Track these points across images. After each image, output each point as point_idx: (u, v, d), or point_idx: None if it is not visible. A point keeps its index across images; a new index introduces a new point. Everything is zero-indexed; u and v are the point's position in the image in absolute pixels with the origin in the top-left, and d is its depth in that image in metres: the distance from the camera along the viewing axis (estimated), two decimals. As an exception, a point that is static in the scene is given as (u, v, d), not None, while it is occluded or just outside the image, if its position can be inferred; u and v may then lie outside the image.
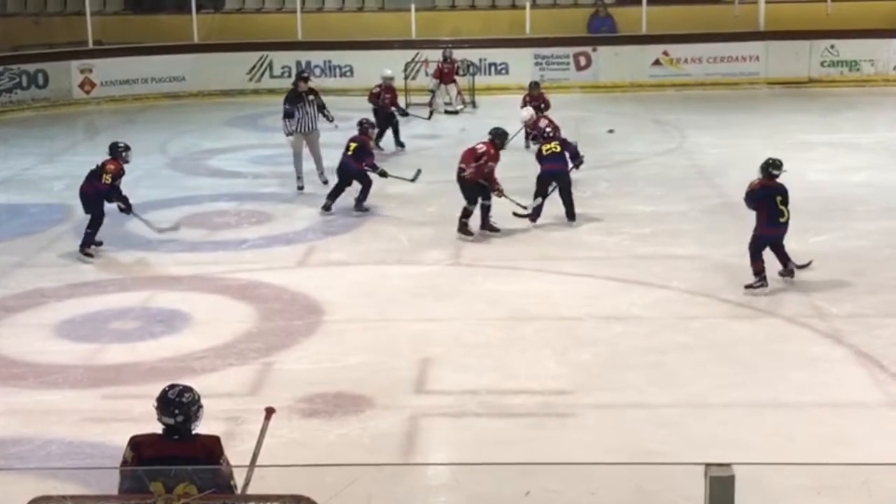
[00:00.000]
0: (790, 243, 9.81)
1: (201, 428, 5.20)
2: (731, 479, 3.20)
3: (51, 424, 7.62)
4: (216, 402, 7.85)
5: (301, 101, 13.88)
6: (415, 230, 12.02)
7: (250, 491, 5.05)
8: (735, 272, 9.78)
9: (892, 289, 9.85)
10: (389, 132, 16.08)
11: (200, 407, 5.17)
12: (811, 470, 6.12)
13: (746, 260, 9.73)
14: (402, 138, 16.20)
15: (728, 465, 3.24)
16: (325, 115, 14.11)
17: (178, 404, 5.10)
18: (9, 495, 5.48)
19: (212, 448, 5.09)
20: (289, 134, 13.91)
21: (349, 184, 12.72)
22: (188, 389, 5.17)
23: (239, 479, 5.09)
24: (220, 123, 18.86)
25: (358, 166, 12.61)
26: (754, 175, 9.81)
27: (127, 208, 11.31)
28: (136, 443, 5.11)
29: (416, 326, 9.26)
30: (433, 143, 16.56)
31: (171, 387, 5.20)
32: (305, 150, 13.93)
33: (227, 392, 8.06)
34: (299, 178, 13.90)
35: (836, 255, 10.80)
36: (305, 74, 14.77)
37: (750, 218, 9.74)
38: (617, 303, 9.66)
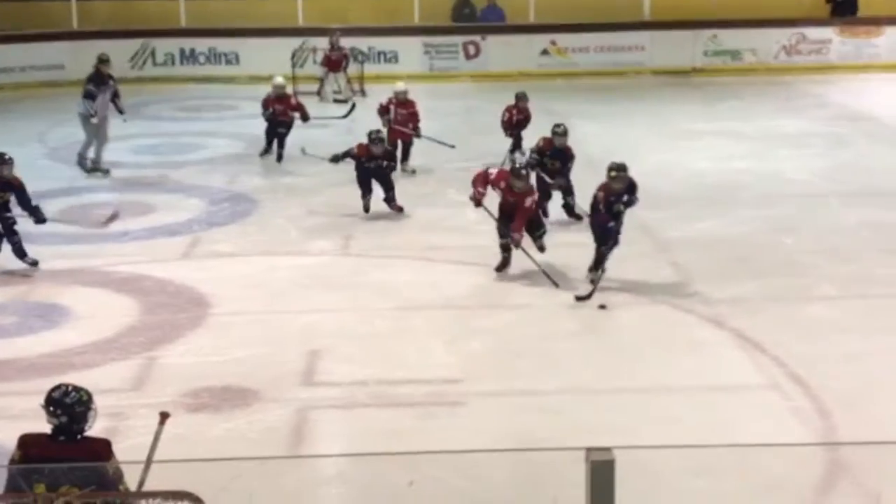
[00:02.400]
0: (673, 230, 9.98)
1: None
2: (612, 462, 3.23)
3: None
4: (99, 399, 7.54)
5: (104, 85, 13.74)
6: (302, 221, 11.92)
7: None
8: (620, 261, 9.90)
9: (772, 274, 10.10)
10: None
11: (90, 409, 5.03)
12: (692, 452, 6.23)
13: (634, 248, 9.87)
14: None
15: (608, 448, 3.27)
16: (116, 106, 13.95)
17: (61, 404, 4.97)
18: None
19: (98, 451, 4.97)
20: (92, 115, 13.65)
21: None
22: (76, 390, 5.03)
23: (131, 480, 4.98)
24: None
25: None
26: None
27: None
28: (24, 441, 4.99)
29: (305, 318, 9.18)
30: (322, 132, 16.41)
31: (58, 387, 5.07)
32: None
33: (110, 388, 7.85)
34: (86, 159, 13.89)
35: (719, 242, 11.04)
36: (106, 57, 14.16)
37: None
38: (506, 291, 9.72)
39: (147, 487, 4.98)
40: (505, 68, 21.04)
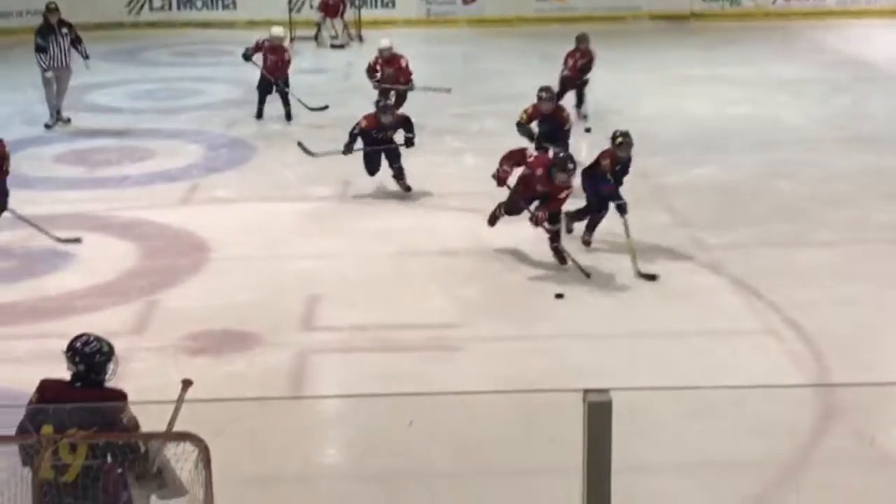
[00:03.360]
0: (670, 176, 10.00)
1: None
2: (609, 404, 3.29)
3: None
4: (99, 342, 7.75)
5: (53, 34, 13.39)
6: (300, 167, 11.92)
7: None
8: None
9: (768, 219, 10.15)
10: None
11: (109, 360, 5.06)
12: (688, 395, 6.32)
13: (631, 194, 9.87)
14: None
15: (605, 390, 3.33)
16: (79, 51, 13.57)
17: (81, 353, 5.03)
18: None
19: (113, 398, 5.02)
20: (46, 69, 13.40)
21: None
22: (98, 340, 5.09)
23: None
24: (98, 58, 18.25)
25: None
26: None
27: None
28: (42, 386, 5.06)
29: (304, 263, 9.23)
30: (320, 78, 16.37)
31: (80, 336, 5.13)
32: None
33: (112, 331, 7.76)
34: (52, 115, 13.60)
35: (716, 187, 11.08)
36: (53, 5, 13.55)
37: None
38: (503, 237, 9.76)
39: (150, 430, 5.05)
40: (502, 13, 20.94)
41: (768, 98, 14.90)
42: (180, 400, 4.88)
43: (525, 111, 10.91)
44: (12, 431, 4.92)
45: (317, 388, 7.35)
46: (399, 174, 10.94)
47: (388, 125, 10.81)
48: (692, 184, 10.60)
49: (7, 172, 9.27)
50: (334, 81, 15.13)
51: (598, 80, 13.80)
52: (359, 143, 10.80)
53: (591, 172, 9.35)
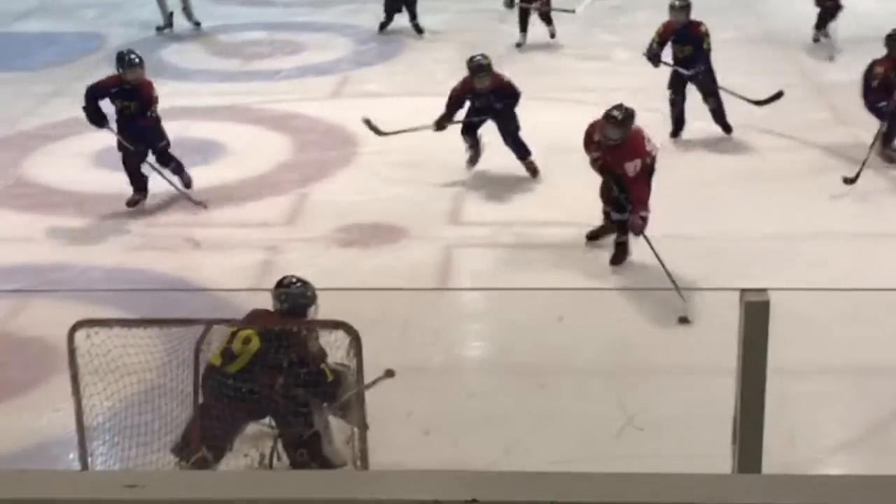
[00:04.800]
0: (830, 73, 9.54)
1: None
2: (766, 304, 3.18)
3: (91, 252, 7.73)
4: (254, 232, 7.97)
5: None
6: (448, 62, 11.82)
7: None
8: (778, 104, 9.58)
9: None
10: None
11: (310, 305, 5.19)
12: (846, 297, 6.14)
13: (791, 91, 9.51)
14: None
15: (764, 290, 3.23)
16: None
17: (287, 294, 5.21)
18: (53, 319, 5.61)
19: (303, 328, 5.14)
20: None
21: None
22: (303, 284, 5.26)
23: None
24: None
25: None
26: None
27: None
28: (251, 315, 5.24)
29: (452, 158, 9.20)
30: None
31: (288, 277, 5.34)
32: None
33: (265, 222, 8.13)
34: (164, 18, 13.11)
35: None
36: None
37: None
38: (659, 135, 9.54)
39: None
40: None
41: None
42: (376, 382, 4.95)
43: (657, 32, 9.44)
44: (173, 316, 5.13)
45: (462, 281, 7.41)
46: (523, 154, 8.85)
47: (484, 90, 8.68)
48: (854, 81, 10.13)
49: (155, 117, 8.26)
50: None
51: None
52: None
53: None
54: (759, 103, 9.18)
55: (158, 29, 13.09)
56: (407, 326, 6.44)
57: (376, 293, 6.49)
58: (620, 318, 6.44)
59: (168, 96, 10.83)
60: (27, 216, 8.35)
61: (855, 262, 7.17)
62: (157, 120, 8.30)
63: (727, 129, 9.34)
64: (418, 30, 12.85)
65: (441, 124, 8.78)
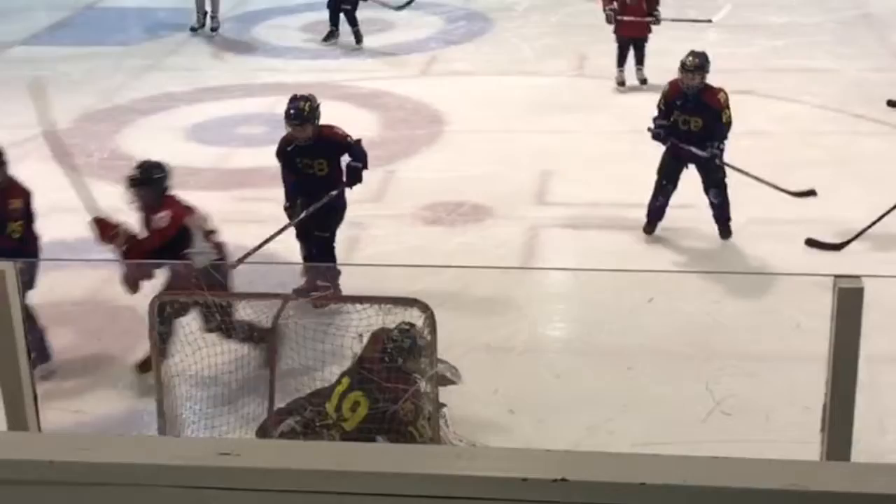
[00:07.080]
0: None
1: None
2: (860, 291, 3.13)
3: (183, 224, 7.84)
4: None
5: None
6: (536, 40, 11.80)
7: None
8: (870, 87, 9.41)
9: None
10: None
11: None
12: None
13: (882, 75, 9.33)
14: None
15: (857, 276, 3.18)
16: None
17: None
18: (143, 289, 5.73)
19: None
20: None
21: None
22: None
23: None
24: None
25: None
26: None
27: None
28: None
29: (539, 138, 9.20)
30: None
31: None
32: None
33: (352, 199, 8.14)
34: (198, 17, 12.52)
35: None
36: None
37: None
38: (746, 116, 9.40)
39: (384, 292, 5.19)
40: None
41: None
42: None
43: (662, 95, 7.72)
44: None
45: (547, 262, 7.39)
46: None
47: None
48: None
49: None
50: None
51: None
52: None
53: None
54: (794, 195, 7.49)
55: (192, 30, 12.55)
56: (493, 305, 6.45)
57: (462, 271, 6.51)
58: (712, 301, 6.38)
59: (259, 71, 11.01)
60: (120, 187, 8.49)
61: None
62: None
63: (727, 232, 7.40)
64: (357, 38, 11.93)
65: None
